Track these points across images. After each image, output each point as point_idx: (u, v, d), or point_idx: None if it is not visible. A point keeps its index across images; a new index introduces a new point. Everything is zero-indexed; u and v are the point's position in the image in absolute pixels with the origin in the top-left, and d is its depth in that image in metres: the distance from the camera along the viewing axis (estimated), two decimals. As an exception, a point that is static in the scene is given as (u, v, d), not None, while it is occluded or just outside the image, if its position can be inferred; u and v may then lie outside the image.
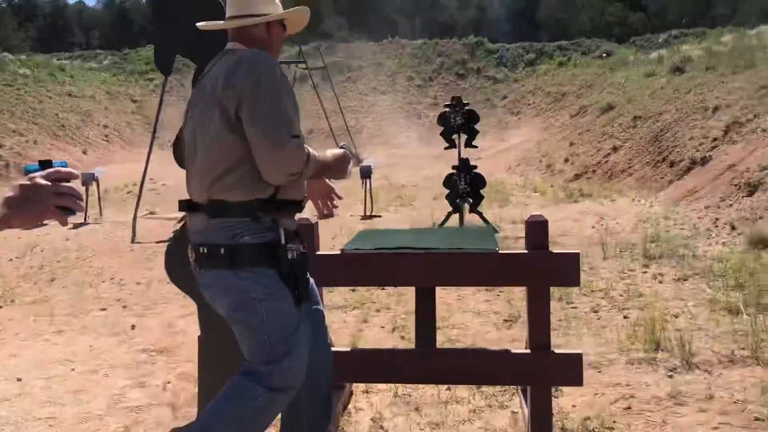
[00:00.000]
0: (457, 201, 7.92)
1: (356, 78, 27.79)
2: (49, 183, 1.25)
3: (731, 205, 7.81)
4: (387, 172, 16.64)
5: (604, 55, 24.52)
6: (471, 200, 7.92)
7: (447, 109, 7.99)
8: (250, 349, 2.03)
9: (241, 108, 1.93)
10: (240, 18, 2.13)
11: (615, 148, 12.91)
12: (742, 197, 7.81)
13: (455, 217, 8.20)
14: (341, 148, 2.54)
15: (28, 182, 1.24)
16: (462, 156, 7.91)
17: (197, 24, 2.31)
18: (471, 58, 27.91)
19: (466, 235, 3.49)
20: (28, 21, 63.67)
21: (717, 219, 7.48)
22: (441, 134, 8.06)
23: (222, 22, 2.22)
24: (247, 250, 1.98)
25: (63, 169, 1.28)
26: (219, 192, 1.99)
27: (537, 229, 2.81)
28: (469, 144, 7.97)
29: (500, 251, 2.80)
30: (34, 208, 1.24)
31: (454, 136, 7.96)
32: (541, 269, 2.73)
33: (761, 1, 46.67)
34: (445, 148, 8.24)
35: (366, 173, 10.03)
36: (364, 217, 9.83)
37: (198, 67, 3.12)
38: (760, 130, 9.20)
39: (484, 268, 2.78)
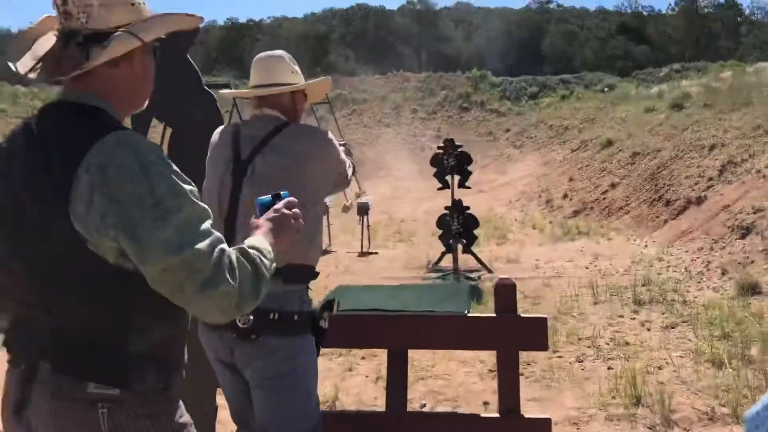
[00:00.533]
0: (450, 241, 7.96)
1: (361, 111, 28.05)
2: (290, 212, 1.60)
3: (724, 247, 7.82)
4: (389, 206, 16.73)
5: (606, 89, 24.70)
6: (464, 240, 7.96)
7: (440, 151, 8.08)
8: (287, 416, 2.08)
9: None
10: (267, 87, 2.25)
11: (613, 185, 12.96)
12: (735, 239, 7.83)
13: (449, 256, 8.23)
14: (341, 144, 2.53)
15: (277, 214, 1.59)
16: (455, 197, 7.97)
17: (232, 93, 2.43)
18: (474, 91, 28.16)
19: (441, 294, 3.53)
20: None
21: (709, 262, 7.49)
22: (434, 175, 8.15)
23: (248, 90, 2.34)
24: (307, 318, 2.08)
25: (292, 199, 1.64)
26: (298, 256, 2.02)
27: (506, 292, 2.84)
28: (462, 185, 8.05)
29: (470, 314, 2.83)
30: (288, 232, 1.59)
31: (448, 177, 8.03)
32: (510, 333, 2.76)
33: (764, 35, 47.05)
34: (439, 189, 8.32)
35: (364, 210, 10.11)
36: (361, 254, 9.88)
37: (166, 126, 3.21)
38: (755, 171, 9.24)
39: (454, 331, 2.81)
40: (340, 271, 8.55)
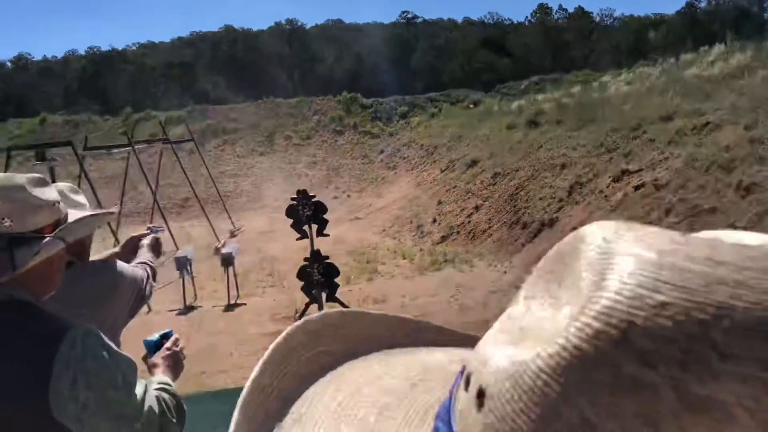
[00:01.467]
0: (313, 291, 7.88)
1: (234, 141, 27.54)
2: (178, 348, 1.92)
3: (573, 271, 8.21)
4: (264, 242, 16.47)
5: (471, 105, 25.60)
6: (327, 289, 7.90)
7: (294, 203, 7.99)
8: None
9: None
10: None
11: (477, 207, 13.37)
12: (583, 263, 8.23)
13: (315, 306, 8.14)
14: (149, 230, 2.75)
15: (169, 352, 1.88)
16: (315, 247, 7.90)
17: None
18: (347, 114, 28.38)
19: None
20: None
21: (559, 289, 7.83)
22: (291, 226, 8.04)
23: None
24: None
25: (176, 336, 1.95)
26: None
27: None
28: (320, 233, 7.99)
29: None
30: (180, 366, 1.90)
31: (306, 228, 7.94)
32: None
33: (614, 39, 50.59)
34: (298, 239, 8.22)
35: (227, 261, 9.82)
36: (227, 308, 9.60)
37: None
38: (598, 191, 9.80)
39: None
40: (202, 332, 8.25)
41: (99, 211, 1.86)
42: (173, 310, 9.61)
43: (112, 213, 1.88)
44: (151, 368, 1.85)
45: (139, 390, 1.52)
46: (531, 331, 0.38)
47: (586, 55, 43.93)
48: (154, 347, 1.91)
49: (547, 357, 0.34)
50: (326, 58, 55.64)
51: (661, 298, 0.32)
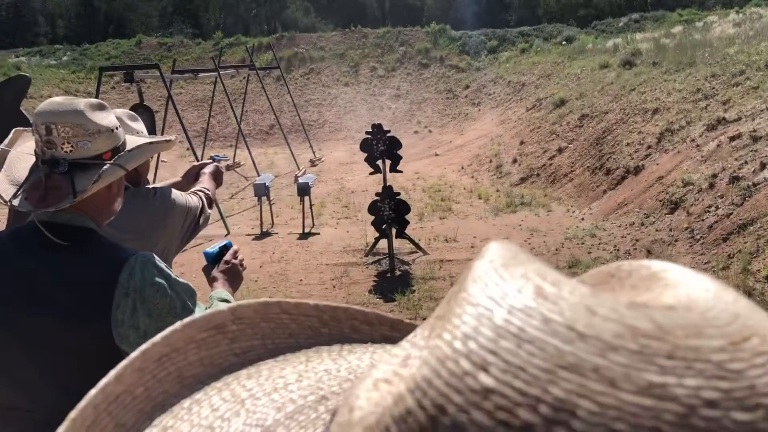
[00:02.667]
0: (384, 227, 7.92)
1: (319, 69, 27.55)
2: (237, 260, 1.97)
3: (654, 222, 7.88)
4: (343, 173, 16.62)
5: (564, 42, 24.47)
6: (397, 226, 7.92)
7: (368, 136, 7.95)
8: None
9: None
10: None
11: (560, 150, 12.94)
12: (665, 215, 7.88)
13: (384, 241, 8.20)
14: (212, 159, 2.80)
15: (228, 265, 1.94)
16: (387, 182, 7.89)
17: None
18: (434, 46, 27.76)
19: None
20: (-10, 11, 62.41)
21: (637, 240, 7.55)
22: (365, 160, 8.03)
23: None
24: None
25: (235, 248, 2.00)
26: None
27: None
28: (393, 169, 7.95)
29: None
30: (240, 278, 1.97)
31: (379, 162, 7.92)
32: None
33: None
34: (370, 173, 8.21)
35: (303, 190, 9.96)
36: (302, 236, 9.80)
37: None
38: (690, 140, 9.25)
39: None
40: (274, 259, 8.49)
41: (157, 138, 1.85)
42: (250, 235, 9.90)
43: (169, 141, 1.87)
44: (211, 282, 1.91)
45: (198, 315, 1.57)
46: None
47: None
48: (213, 258, 1.96)
49: (341, 425, 0.26)
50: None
51: (486, 381, 0.23)
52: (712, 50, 12.65)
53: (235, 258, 1.97)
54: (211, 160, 2.85)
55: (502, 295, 0.26)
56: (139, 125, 2.27)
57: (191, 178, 2.71)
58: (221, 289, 1.84)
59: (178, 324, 0.40)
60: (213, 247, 1.98)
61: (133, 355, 0.39)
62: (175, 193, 2.28)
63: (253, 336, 0.43)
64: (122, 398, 0.37)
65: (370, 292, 7.06)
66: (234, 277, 1.93)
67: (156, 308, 1.48)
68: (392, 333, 0.47)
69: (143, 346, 0.39)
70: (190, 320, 0.41)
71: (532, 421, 0.22)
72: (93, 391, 0.37)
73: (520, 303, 0.26)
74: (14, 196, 1.50)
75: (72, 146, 1.51)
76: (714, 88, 10.45)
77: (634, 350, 0.23)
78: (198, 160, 11.34)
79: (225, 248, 1.98)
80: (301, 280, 7.57)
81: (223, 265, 1.93)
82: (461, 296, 0.27)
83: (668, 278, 0.28)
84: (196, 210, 2.37)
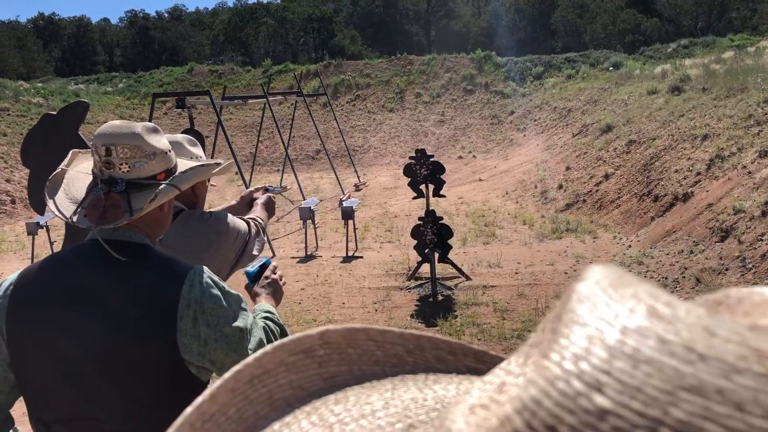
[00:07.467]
0: (426, 251, 7.93)
1: (365, 96, 27.90)
2: (276, 276, 2.06)
3: (703, 251, 7.70)
4: (387, 197, 16.72)
5: (611, 68, 24.26)
6: (440, 250, 7.93)
7: (412, 161, 8.01)
8: None
9: None
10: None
11: (606, 176, 12.78)
12: (715, 242, 7.70)
13: (427, 266, 8.21)
14: (266, 189, 2.85)
15: (269, 280, 2.03)
16: (430, 207, 7.92)
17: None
18: (479, 72, 27.84)
19: None
20: (52, 41, 65.17)
21: (686, 269, 7.38)
22: (408, 185, 8.09)
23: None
24: None
25: (274, 264, 2.08)
26: None
27: None
28: (436, 193, 7.98)
29: None
30: (281, 292, 2.05)
31: (422, 187, 7.96)
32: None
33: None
34: (413, 198, 8.26)
35: (347, 214, 10.07)
36: (345, 259, 9.88)
37: None
38: (741, 167, 9.05)
39: None
40: (318, 282, 8.57)
41: (209, 161, 1.93)
42: (294, 258, 10.03)
43: (221, 164, 1.94)
44: (254, 297, 1.99)
45: (248, 322, 1.63)
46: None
47: (745, 17, 40.07)
48: (254, 277, 2.05)
49: None
50: (463, 14, 54.61)
51: (601, 402, 0.23)
52: (764, 75, 12.39)
53: (275, 273, 2.06)
54: (264, 190, 2.92)
55: (613, 316, 0.26)
56: (198, 150, 2.36)
57: (245, 203, 2.79)
58: (264, 302, 1.93)
59: (269, 346, 0.43)
60: (253, 266, 2.06)
61: (227, 375, 0.41)
62: (231, 218, 2.35)
63: (340, 361, 0.45)
64: (216, 417, 0.39)
65: (411, 316, 7.06)
66: (275, 291, 2.02)
67: (213, 318, 1.55)
68: (477, 365, 0.47)
69: (236, 367, 0.41)
70: (279, 343, 0.43)
71: None
72: (189, 410, 0.39)
73: (633, 323, 0.25)
74: (74, 213, 1.59)
75: (129, 167, 1.59)
76: (767, 113, 10.22)
77: (761, 373, 0.21)
78: (246, 185, 11.60)
79: (264, 266, 2.07)
80: (343, 303, 7.62)
81: (263, 281, 2.02)
82: (567, 317, 0.27)
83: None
84: (246, 236, 2.44)
